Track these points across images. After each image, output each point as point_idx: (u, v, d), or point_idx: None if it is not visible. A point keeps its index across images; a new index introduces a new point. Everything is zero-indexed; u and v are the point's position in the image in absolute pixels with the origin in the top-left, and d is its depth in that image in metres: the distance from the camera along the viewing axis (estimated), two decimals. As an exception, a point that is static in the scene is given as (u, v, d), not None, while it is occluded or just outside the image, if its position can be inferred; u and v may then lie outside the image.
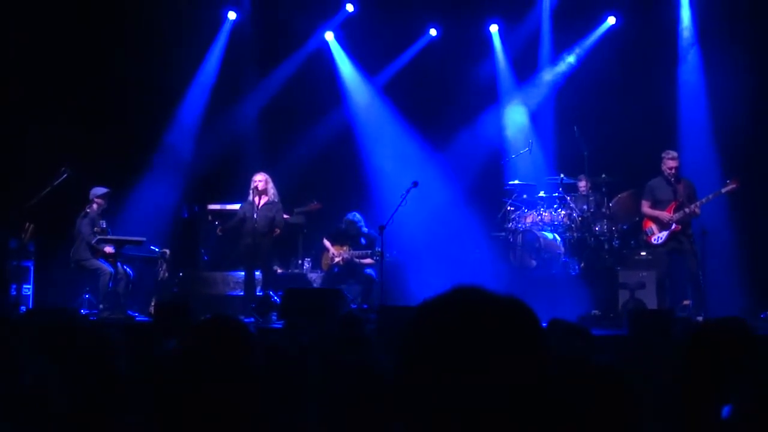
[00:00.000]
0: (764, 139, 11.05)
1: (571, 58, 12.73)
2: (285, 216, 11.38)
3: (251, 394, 2.30)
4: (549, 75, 12.86)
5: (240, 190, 11.31)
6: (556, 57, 12.90)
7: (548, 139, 12.57)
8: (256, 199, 10.63)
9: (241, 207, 10.89)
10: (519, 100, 12.93)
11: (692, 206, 9.45)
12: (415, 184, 10.20)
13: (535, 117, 12.82)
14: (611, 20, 12.61)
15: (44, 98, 11.90)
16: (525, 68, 13.07)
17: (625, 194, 11.13)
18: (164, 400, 2.30)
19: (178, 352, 2.50)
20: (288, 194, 11.57)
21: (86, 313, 10.25)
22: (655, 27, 12.16)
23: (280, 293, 10.29)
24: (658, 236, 9.61)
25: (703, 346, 2.91)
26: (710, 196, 9.50)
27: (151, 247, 11.36)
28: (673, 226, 9.50)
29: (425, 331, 1.35)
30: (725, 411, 2.48)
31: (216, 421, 2.24)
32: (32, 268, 11.01)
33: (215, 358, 2.33)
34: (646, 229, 9.80)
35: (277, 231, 10.76)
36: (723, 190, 9.46)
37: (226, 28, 13.26)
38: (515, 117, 12.81)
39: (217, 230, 11.10)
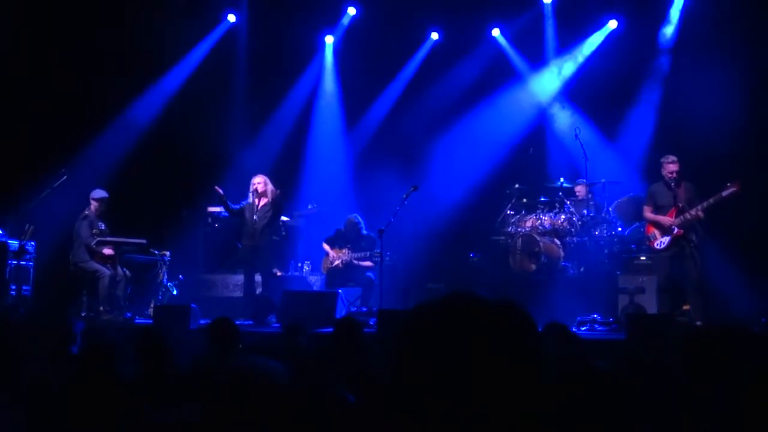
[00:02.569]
0: (764, 142, 11.05)
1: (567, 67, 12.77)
2: (284, 218, 11.38)
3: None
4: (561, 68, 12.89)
5: (240, 193, 11.31)
6: (562, 58, 12.92)
7: (548, 144, 12.58)
8: (256, 201, 10.62)
9: (239, 207, 10.88)
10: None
11: (694, 210, 9.44)
12: (415, 187, 10.21)
13: (535, 119, 12.82)
14: (612, 24, 12.63)
15: (43, 98, 11.91)
16: (528, 72, 13.10)
17: (624, 199, 11.14)
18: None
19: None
20: (287, 197, 11.58)
21: (85, 315, 10.25)
22: (655, 30, 12.17)
23: (278, 296, 10.29)
24: (661, 241, 9.60)
25: (701, 351, 2.91)
26: (711, 200, 9.48)
27: (151, 250, 11.36)
28: (675, 231, 9.49)
29: (419, 334, 1.35)
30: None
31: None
32: (32, 269, 11.02)
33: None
34: (649, 234, 9.79)
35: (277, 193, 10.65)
36: (723, 194, 9.42)
37: (221, 30, 13.30)
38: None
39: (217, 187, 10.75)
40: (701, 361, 2.88)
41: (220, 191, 10.48)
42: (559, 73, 12.85)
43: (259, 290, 10.76)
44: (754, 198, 10.48)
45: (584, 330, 9.23)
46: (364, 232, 11.12)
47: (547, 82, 12.96)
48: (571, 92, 12.53)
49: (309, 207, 12.48)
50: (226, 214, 11.21)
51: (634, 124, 12.00)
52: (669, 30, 12.17)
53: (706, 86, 11.27)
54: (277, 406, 2.48)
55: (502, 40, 13.20)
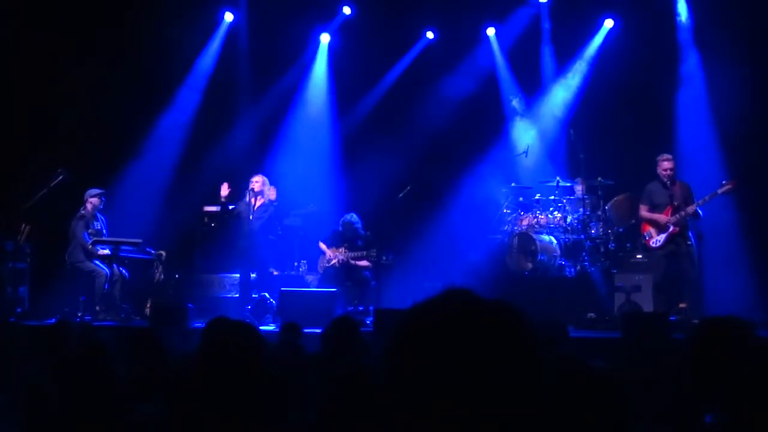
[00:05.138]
0: (763, 141, 11.06)
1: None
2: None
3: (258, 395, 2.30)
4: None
5: (239, 193, 11.30)
6: (558, 66, 12.89)
7: (545, 142, 12.58)
8: (253, 200, 10.61)
9: (236, 206, 10.86)
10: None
11: (688, 208, 9.48)
12: (410, 187, 10.21)
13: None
14: (609, 23, 12.61)
15: (40, 99, 11.88)
16: (525, 74, 13.08)
17: (621, 197, 11.14)
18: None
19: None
20: (285, 197, 11.57)
21: (81, 315, 10.23)
22: (652, 28, 12.15)
23: (275, 295, 10.28)
24: (657, 239, 9.62)
25: (702, 345, 2.91)
26: (707, 198, 9.53)
27: (147, 249, 11.34)
28: (671, 229, 9.52)
29: (414, 333, 1.35)
30: (708, 418, 2.49)
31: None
32: (28, 270, 10.99)
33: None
34: (645, 233, 9.81)
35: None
36: (719, 191, 9.48)
37: (222, 30, 13.29)
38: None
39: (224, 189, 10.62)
40: (700, 359, 2.88)
41: (226, 192, 10.40)
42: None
43: (254, 290, 10.75)
44: (755, 195, 10.53)
45: (580, 328, 9.23)
46: (361, 231, 11.12)
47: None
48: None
49: (309, 207, 12.47)
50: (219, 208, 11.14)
51: (632, 123, 11.99)
52: (683, 14, 12.11)
53: (711, 83, 11.30)
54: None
55: (495, 43, 13.21)
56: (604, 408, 2.07)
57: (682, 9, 12.10)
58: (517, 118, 12.87)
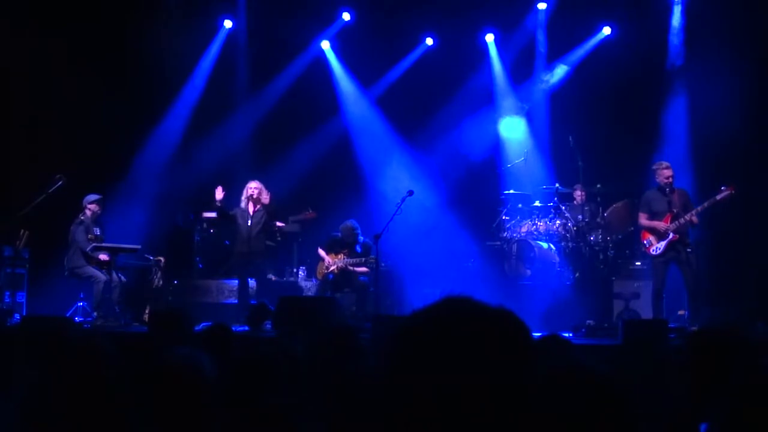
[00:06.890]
0: (758, 147, 11.07)
1: (561, 69, 12.80)
2: (279, 224, 11.37)
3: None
4: (543, 82, 12.92)
5: (236, 199, 11.31)
6: (551, 67, 12.97)
7: (544, 149, 12.59)
8: (250, 206, 10.60)
9: (234, 212, 10.85)
10: (514, 108, 12.93)
11: (688, 215, 9.47)
12: (411, 193, 10.21)
13: (530, 125, 12.86)
14: (606, 30, 12.66)
15: (37, 104, 11.88)
16: (521, 78, 13.12)
17: (620, 204, 11.15)
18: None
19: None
20: (283, 203, 11.57)
21: (80, 321, 10.22)
22: (650, 37, 12.20)
23: (274, 302, 10.26)
24: (657, 247, 9.62)
25: (697, 354, 2.91)
26: (705, 204, 9.52)
27: (146, 255, 11.34)
28: (671, 236, 9.52)
29: (413, 340, 1.35)
30: (702, 428, 2.49)
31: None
32: (26, 275, 10.99)
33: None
34: (645, 241, 9.80)
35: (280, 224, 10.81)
36: (717, 197, 9.47)
37: (221, 37, 13.31)
38: (512, 128, 12.81)
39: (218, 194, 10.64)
40: (696, 367, 2.88)
41: (221, 195, 10.41)
42: (548, 81, 12.92)
43: (253, 296, 10.74)
44: (752, 202, 10.53)
45: (579, 336, 9.23)
46: (361, 237, 11.12)
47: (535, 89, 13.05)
48: (568, 97, 12.56)
49: (308, 212, 12.46)
50: (215, 214, 11.13)
51: (631, 131, 12.01)
52: (676, 22, 12.17)
53: (708, 90, 11.31)
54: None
55: (493, 48, 13.25)
56: (607, 414, 2.06)
57: (678, 18, 12.16)
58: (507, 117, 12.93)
